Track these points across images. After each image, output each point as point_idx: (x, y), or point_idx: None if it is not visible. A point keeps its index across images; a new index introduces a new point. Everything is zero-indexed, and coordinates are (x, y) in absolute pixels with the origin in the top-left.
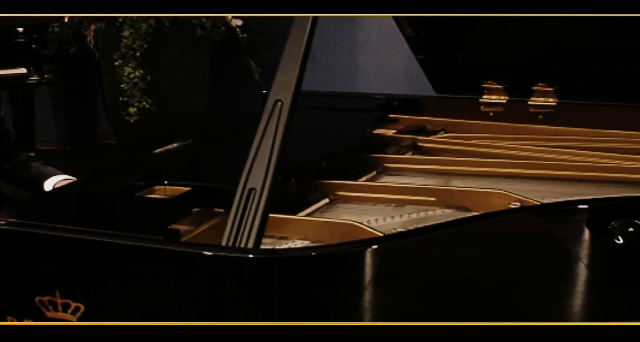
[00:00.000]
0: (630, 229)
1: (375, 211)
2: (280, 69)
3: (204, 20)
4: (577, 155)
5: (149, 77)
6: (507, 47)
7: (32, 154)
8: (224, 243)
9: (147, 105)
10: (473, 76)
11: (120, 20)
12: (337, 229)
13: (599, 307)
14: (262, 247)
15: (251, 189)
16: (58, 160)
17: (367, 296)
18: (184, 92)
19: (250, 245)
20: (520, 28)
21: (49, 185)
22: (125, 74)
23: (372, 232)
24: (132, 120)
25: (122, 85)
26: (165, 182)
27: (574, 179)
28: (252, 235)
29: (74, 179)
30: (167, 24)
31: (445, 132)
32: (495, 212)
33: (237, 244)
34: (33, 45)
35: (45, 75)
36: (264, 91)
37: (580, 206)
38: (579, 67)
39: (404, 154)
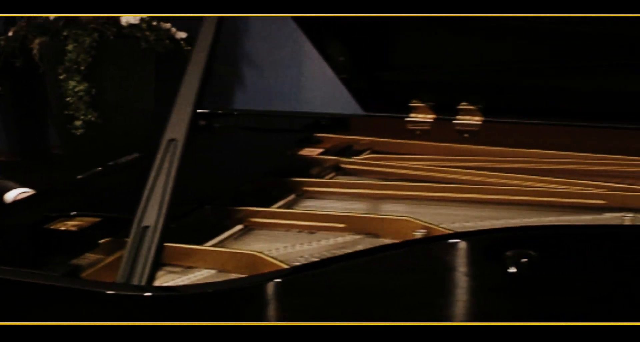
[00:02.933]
0: (524, 260)
1: (287, 237)
2: (177, 104)
3: (147, 33)
4: (502, 177)
5: (93, 90)
6: (433, 65)
7: None
8: (119, 280)
9: (92, 118)
10: (400, 95)
11: (65, 33)
12: (242, 259)
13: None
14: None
15: (145, 227)
16: (8, 171)
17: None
18: (129, 104)
19: (143, 282)
20: (448, 46)
21: (9, 198)
22: (70, 87)
23: (274, 263)
24: (79, 133)
25: (67, 99)
26: (75, 213)
27: (495, 202)
28: (145, 272)
29: (33, 191)
30: (112, 37)
31: (371, 152)
32: (383, 246)
33: (131, 281)
34: None
35: None
36: None
37: (473, 237)
38: (506, 86)
39: (326, 175)
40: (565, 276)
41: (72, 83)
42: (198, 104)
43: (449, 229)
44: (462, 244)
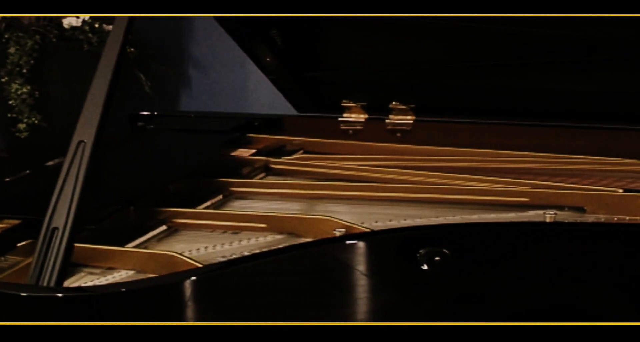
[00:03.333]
0: (437, 258)
1: (210, 238)
2: (86, 105)
3: (90, 35)
4: (430, 176)
5: (37, 93)
6: (364, 65)
7: None
8: (29, 281)
9: (36, 121)
10: (333, 95)
11: (6, 36)
12: (159, 260)
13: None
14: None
15: (54, 229)
16: None
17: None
18: (73, 107)
19: (52, 283)
20: (379, 45)
21: None
22: (13, 90)
23: (190, 263)
24: (23, 136)
25: (10, 102)
26: None
27: (421, 201)
28: (54, 273)
29: None
30: (54, 40)
31: (303, 152)
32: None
33: (40, 283)
34: None
35: None
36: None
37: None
38: (437, 85)
39: (255, 176)
40: (478, 273)
41: (14, 86)
42: (108, 105)
43: (368, 228)
44: (373, 243)
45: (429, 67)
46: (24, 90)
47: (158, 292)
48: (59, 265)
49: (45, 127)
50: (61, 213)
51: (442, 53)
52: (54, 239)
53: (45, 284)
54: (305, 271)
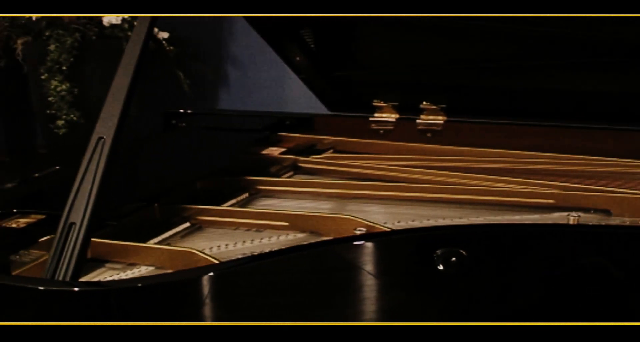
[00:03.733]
0: (453, 259)
1: (233, 236)
2: (107, 102)
3: (129, 33)
4: (459, 177)
5: (76, 90)
6: (395, 65)
7: None
8: (45, 275)
9: (74, 118)
10: (365, 94)
11: (47, 34)
12: (178, 257)
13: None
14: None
15: (72, 224)
16: None
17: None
18: None
19: (67, 278)
20: (410, 46)
21: None
22: (52, 87)
23: (209, 260)
24: (61, 133)
25: (50, 99)
26: (15, 210)
27: (449, 201)
28: (70, 268)
29: None
30: (94, 37)
31: (334, 151)
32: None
33: (56, 277)
34: None
35: None
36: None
37: (408, 235)
38: (469, 86)
39: (283, 175)
40: (495, 275)
41: (54, 83)
42: (128, 103)
43: (389, 228)
44: (387, 243)
45: (461, 68)
46: (63, 87)
47: (171, 288)
48: (75, 260)
49: (83, 123)
50: (79, 209)
51: (474, 53)
52: (70, 234)
53: (60, 278)
54: (315, 270)
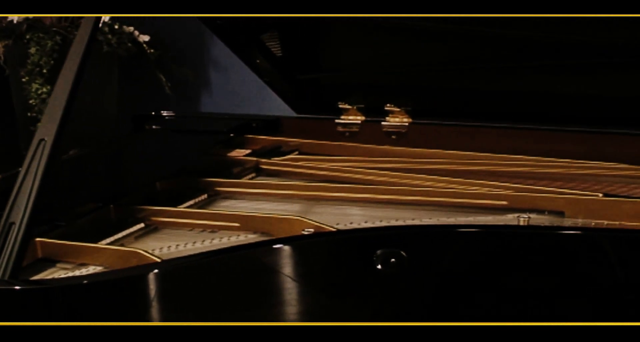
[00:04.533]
0: (392, 259)
1: (187, 236)
2: (49, 104)
3: (109, 36)
4: (417, 179)
5: None
6: (360, 67)
7: None
8: None
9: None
10: (330, 97)
11: (28, 36)
12: (125, 256)
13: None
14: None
15: (11, 223)
16: None
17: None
18: (92, 106)
19: (5, 277)
20: (374, 48)
21: None
22: (33, 90)
23: (153, 260)
24: None
25: (30, 101)
26: None
27: (404, 203)
28: (9, 266)
29: None
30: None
31: (299, 153)
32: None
33: None
34: None
35: None
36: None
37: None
38: (434, 88)
39: (245, 176)
40: (436, 276)
41: (35, 85)
42: (70, 105)
43: (334, 228)
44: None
45: (426, 70)
46: (44, 90)
47: (109, 286)
48: (14, 259)
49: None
50: (19, 209)
51: (439, 55)
52: (10, 233)
53: None
54: (247, 270)
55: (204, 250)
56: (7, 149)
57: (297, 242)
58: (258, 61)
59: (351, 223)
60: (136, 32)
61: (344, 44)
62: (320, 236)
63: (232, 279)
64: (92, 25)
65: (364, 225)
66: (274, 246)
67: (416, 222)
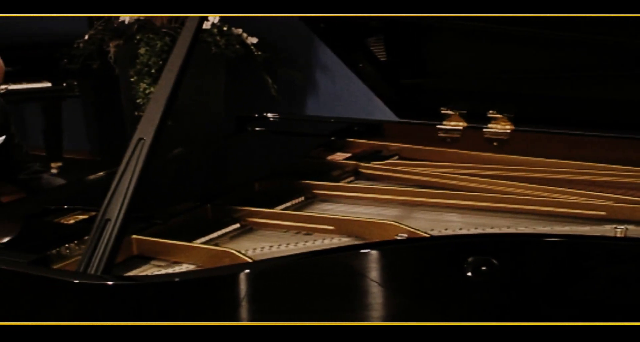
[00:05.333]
0: (483, 267)
1: (280, 238)
2: (150, 104)
3: (218, 38)
4: (518, 187)
5: None
6: (464, 73)
7: (43, 165)
8: (76, 269)
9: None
10: (433, 102)
11: (138, 37)
12: (218, 256)
13: None
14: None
15: (107, 220)
16: (89, 170)
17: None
18: (199, 107)
19: (98, 272)
20: (479, 53)
21: None
22: (141, 89)
23: (245, 260)
24: None
25: (138, 101)
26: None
27: (502, 210)
28: (102, 263)
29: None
30: None
31: (398, 158)
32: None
33: (88, 271)
34: (65, 60)
35: (76, 90)
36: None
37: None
38: (537, 95)
39: (344, 179)
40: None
41: (142, 85)
42: (170, 106)
43: (429, 234)
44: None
45: (530, 77)
46: (152, 89)
47: (198, 285)
48: (108, 255)
49: (170, 126)
50: (115, 206)
51: (544, 62)
52: (105, 229)
53: (92, 272)
54: (338, 273)
55: (296, 252)
56: (114, 147)
57: (388, 246)
58: (361, 65)
59: (446, 229)
60: (244, 34)
61: (448, 49)
62: (413, 241)
63: (321, 281)
64: (196, 25)
65: (458, 232)
66: (365, 250)
67: (511, 230)
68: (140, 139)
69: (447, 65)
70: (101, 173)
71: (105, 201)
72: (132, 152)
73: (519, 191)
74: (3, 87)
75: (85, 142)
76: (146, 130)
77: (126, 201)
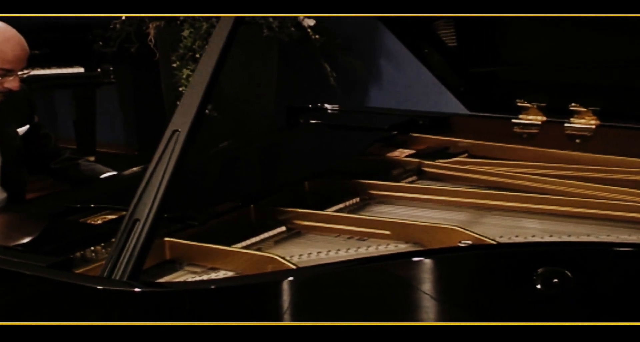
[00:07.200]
0: (555, 280)
1: (331, 243)
2: (185, 95)
3: (270, 19)
4: (604, 190)
5: None
6: (542, 62)
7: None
8: (100, 273)
9: (206, 111)
10: (508, 94)
11: (182, 18)
12: (260, 262)
13: None
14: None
15: (136, 220)
16: (126, 165)
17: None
18: (248, 96)
19: (124, 278)
20: (560, 41)
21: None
22: (184, 76)
23: (289, 267)
24: None
25: (180, 89)
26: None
27: (583, 216)
28: (128, 267)
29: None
30: None
31: (468, 156)
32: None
33: (112, 276)
34: (100, 42)
35: (111, 77)
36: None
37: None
38: (625, 87)
39: (405, 179)
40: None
41: (186, 72)
42: (208, 97)
43: (495, 241)
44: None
45: (617, 67)
46: None
47: (237, 294)
48: (135, 259)
49: (216, 117)
50: (145, 205)
51: (634, 51)
52: (133, 231)
53: (117, 277)
54: (387, 283)
55: (346, 259)
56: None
57: (444, 255)
58: (426, 51)
59: (516, 237)
60: (301, 16)
61: (525, 35)
62: (474, 249)
63: (370, 292)
64: (231, 24)
65: (530, 239)
66: (417, 259)
67: (591, 238)
68: (175, 130)
69: (524, 52)
70: (136, 168)
71: (134, 200)
72: (166, 146)
73: (603, 194)
74: (25, 71)
75: (121, 135)
76: (181, 121)
77: (157, 200)
